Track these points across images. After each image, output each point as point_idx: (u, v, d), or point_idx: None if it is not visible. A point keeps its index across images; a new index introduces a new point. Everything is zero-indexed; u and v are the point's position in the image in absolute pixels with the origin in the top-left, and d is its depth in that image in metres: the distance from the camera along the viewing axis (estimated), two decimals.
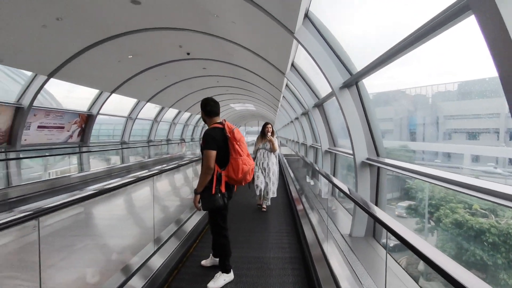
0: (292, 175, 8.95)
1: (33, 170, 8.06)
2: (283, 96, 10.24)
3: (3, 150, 6.87)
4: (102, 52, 6.84)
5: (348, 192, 2.58)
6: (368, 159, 3.60)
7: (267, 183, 5.36)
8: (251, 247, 3.86)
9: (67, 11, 4.97)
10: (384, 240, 3.67)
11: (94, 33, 6.05)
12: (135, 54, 7.76)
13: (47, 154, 8.53)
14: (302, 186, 6.86)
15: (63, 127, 8.66)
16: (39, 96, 7.04)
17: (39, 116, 7.71)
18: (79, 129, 9.41)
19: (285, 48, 4.94)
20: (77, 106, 9.35)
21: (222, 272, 2.88)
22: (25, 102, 6.94)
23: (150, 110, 13.96)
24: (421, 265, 3.91)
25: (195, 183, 6.23)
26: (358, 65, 3.68)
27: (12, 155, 6.89)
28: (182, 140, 18.99)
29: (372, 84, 4.03)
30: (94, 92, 9.46)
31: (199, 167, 6.25)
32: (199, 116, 21.06)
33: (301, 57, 5.93)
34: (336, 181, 3.13)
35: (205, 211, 3.04)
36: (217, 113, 2.89)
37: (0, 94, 7.02)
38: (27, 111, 6.99)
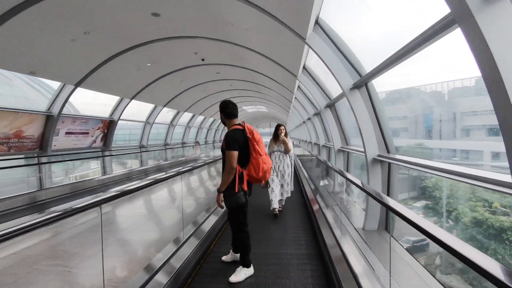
0: (306, 175, 9.12)
1: (66, 173, 8.68)
2: (295, 98, 10.44)
3: (36, 155, 7.42)
4: (123, 62, 7.29)
5: (361, 185, 2.77)
6: (379, 155, 3.78)
7: (282, 185, 5.37)
8: (270, 244, 3.96)
9: (94, 25, 5.41)
10: (397, 234, 3.84)
11: (117, 44, 6.50)
12: (153, 62, 8.19)
13: (82, 157, 9.26)
14: (317, 185, 7.03)
15: (87, 133, 9.21)
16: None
17: (67, 123, 8.26)
18: (102, 134, 9.96)
19: (297, 52, 5.18)
20: (96, 112, 9.81)
21: (243, 267, 2.97)
22: (55, 110, 7.48)
23: (166, 114, 14.47)
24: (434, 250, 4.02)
25: (209, 184, 6.55)
26: (367, 67, 3.87)
27: (44, 159, 7.42)
28: (197, 142, 19.47)
29: (385, 82, 4.10)
30: (109, 98, 9.81)
31: (212, 170, 6.56)
32: (212, 119, 21.54)
33: (312, 60, 6.13)
34: (349, 176, 3.33)
35: (223, 210, 3.20)
36: (236, 115, 2.99)
37: (23, 103, 7.64)
38: (57, 119, 7.53)
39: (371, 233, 3.85)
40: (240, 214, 2.99)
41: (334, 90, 6.12)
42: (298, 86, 8.59)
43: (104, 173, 9.54)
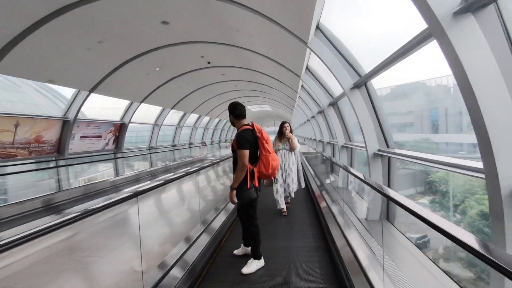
0: (312, 172, 9.37)
1: (88, 173, 9.16)
2: (299, 96, 10.69)
3: (54, 158, 7.84)
4: (133, 67, 7.65)
5: (363, 178, 3.01)
6: (379, 150, 4.05)
7: (289, 184, 5.29)
8: (278, 238, 4.09)
9: (108, 34, 5.76)
10: (397, 224, 4.10)
11: (128, 51, 6.86)
12: (161, 66, 8.54)
13: (105, 159, 9.88)
14: (322, 181, 7.28)
15: (100, 136, 9.62)
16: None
17: (81, 127, 8.67)
18: (114, 137, 10.36)
19: (300, 55, 5.45)
20: (102, 116, 10.01)
21: (254, 259, 3.12)
22: (70, 115, 7.88)
23: (173, 116, 14.87)
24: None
25: (217, 183, 6.85)
26: (366, 67, 4.14)
27: (61, 162, 7.84)
28: (203, 143, 19.87)
29: (389, 77, 4.15)
30: (115, 102, 10.06)
31: (220, 169, 6.85)
32: (217, 119, 21.91)
33: (314, 61, 6.39)
34: (352, 170, 3.59)
35: (231, 209, 3.37)
36: (244, 116, 3.15)
37: (32, 109, 7.99)
38: (73, 124, 7.93)
39: (374, 223, 4.10)
40: (250, 208, 3.14)
41: (336, 89, 6.37)
42: (302, 86, 8.84)
43: (123, 172, 10.02)
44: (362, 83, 4.10)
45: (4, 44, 4.82)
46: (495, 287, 1.66)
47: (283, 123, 5.19)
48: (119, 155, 10.44)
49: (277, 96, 14.55)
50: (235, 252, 3.52)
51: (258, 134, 3.04)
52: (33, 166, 7.63)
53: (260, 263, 3.14)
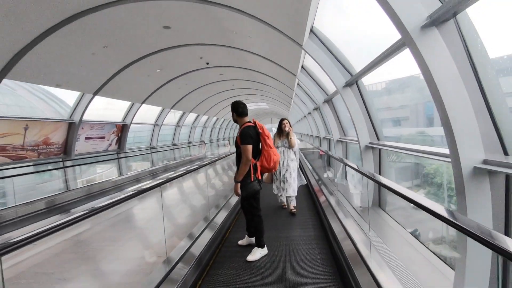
0: (310, 166, 9.74)
1: (96, 172, 9.53)
2: (295, 94, 11.04)
3: (60, 159, 8.13)
4: (135, 70, 7.94)
5: (357, 168, 3.34)
6: (370, 143, 4.42)
7: (288, 180, 5.20)
8: (280, 229, 4.31)
9: (113, 39, 6.05)
10: (387, 208, 4.48)
11: (131, 55, 7.15)
12: (161, 68, 8.83)
13: (109, 159, 10.37)
14: (320, 175, 7.65)
15: (104, 137, 9.91)
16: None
17: (86, 129, 8.96)
18: (116, 138, 10.65)
19: (295, 56, 5.79)
20: (103, 117, 10.15)
21: (258, 247, 3.30)
22: (76, 118, 8.17)
23: (172, 116, 15.15)
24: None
25: (218, 179, 7.18)
26: (357, 67, 4.48)
27: (68, 163, 8.13)
28: (202, 142, 20.18)
29: (383, 72, 4.26)
30: (117, 103, 10.34)
31: (219, 167, 7.17)
32: (215, 118, 22.20)
33: (309, 60, 6.72)
34: (347, 161, 3.95)
35: (234, 204, 3.55)
36: (246, 114, 3.35)
37: (28, 112, 8.11)
38: (78, 125, 8.22)
39: (366, 210, 4.48)
40: (253, 200, 3.33)
41: (331, 86, 6.71)
42: (298, 84, 9.18)
43: (130, 170, 10.40)
44: (353, 81, 4.45)
45: (16, 52, 5.10)
46: (460, 247, 2.03)
47: (281, 120, 5.11)
48: (122, 155, 10.74)
49: (273, 93, 14.89)
50: (240, 242, 3.69)
51: (259, 130, 3.32)
52: (45, 167, 7.99)
53: (264, 251, 3.34)
